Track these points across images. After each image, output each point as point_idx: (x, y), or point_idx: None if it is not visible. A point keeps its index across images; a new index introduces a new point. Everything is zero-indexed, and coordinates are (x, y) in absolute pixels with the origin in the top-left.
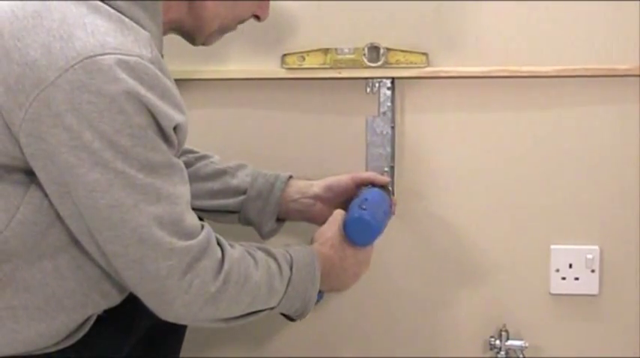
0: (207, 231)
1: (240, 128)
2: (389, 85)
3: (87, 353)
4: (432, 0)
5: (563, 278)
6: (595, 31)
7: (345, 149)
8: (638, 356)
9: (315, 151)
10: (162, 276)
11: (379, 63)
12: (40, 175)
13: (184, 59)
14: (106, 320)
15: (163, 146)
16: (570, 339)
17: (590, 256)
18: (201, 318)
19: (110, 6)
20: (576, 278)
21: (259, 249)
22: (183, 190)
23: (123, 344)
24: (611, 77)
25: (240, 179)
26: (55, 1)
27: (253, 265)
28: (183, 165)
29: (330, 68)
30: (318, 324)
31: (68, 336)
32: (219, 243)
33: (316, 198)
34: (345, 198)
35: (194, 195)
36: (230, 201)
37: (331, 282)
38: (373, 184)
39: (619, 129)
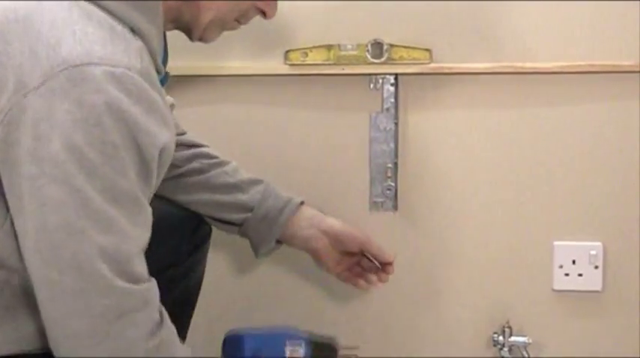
0: (154, 285)
1: (243, 124)
2: (392, 81)
3: None
4: None
5: (567, 275)
6: (597, 27)
7: (348, 145)
8: None
9: (319, 147)
10: (93, 315)
11: (382, 59)
12: (5, 185)
13: (188, 55)
14: None
15: (134, 176)
16: (574, 335)
17: (593, 252)
18: None
19: (105, 10)
20: (580, 275)
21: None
22: (139, 233)
23: None
24: (613, 73)
25: (250, 196)
26: (47, 4)
27: (183, 348)
28: (149, 210)
29: (334, 64)
30: (318, 323)
31: None
32: (159, 309)
33: (324, 233)
34: (346, 252)
35: (201, 203)
36: (234, 216)
37: None
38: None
39: (621, 125)
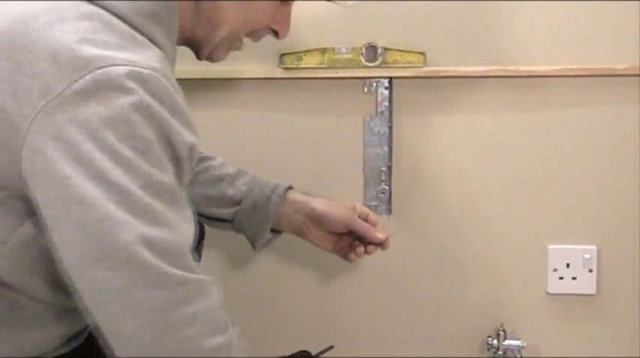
0: (212, 280)
1: (237, 128)
2: (386, 84)
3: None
4: (429, 0)
5: (561, 278)
6: (594, 30)
7: (342, 149)
8: (636, 356)
9: (313, 151)
10: (150, 308)
11: (377, 63)
12: (34, 196)
13: (180, 59)
14: None
15: (169, 167)
16: (568, 339)
17: (587, 256)
18: None
19: (125, 22)
20: (574, 278)
21: None
22: (186, 228)
23: None
24: (610, 77)
25: (236, 188)
26: (69, 14)
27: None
28: (190, 210)
29: (328, 68)
30: (315, 324)
31: (65, 343)
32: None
33: (308, 217)
34: (335, 232)
35: (191, 198)
36: (223, 211)
37: None
38: (363, 239)
39: (618, 129)
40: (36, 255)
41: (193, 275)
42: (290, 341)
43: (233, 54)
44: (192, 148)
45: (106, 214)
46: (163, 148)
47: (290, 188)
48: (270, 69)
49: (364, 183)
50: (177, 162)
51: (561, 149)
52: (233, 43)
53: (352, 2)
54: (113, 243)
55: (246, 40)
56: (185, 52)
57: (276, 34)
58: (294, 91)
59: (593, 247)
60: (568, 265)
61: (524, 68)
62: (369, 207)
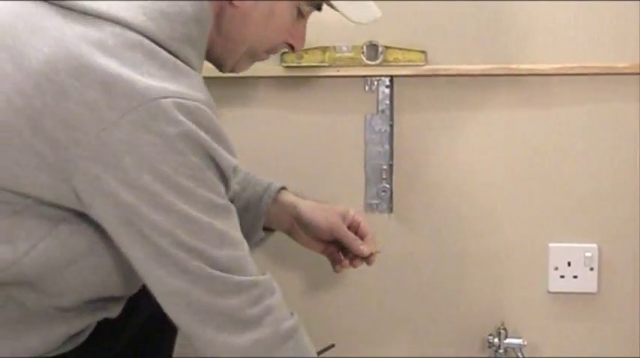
0: (271, 277)
1: (238, 126)
2: (387, 83)
3: (82, 353)
4: None
5: (562, 277)
6: (594, 29)
7: (343, 147)
8: (636, 355)
9: (314, 149)
10: (232, 309)
11: (378, 61)
12: (98, 214)
13: None
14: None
15: (222, 189)
16: (569, 337)
17: (588, 254)
18: None
19: (165, 49)
20: (575, 277)
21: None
22: (242, 237)
23: (116, 342)
24: (610, 75)
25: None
26: (110, 43)
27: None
28: (236, 212)
29: (329, 66)
30: (315, 323)
31: (67, 342)
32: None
33: (295, 220)
34: (320, 239)
35: None
36: None
37: None
38: (347, 250)
39: (618, 127)
40: (66, 255)
41: (261, 278)
42: None
43: None
44: (235, 169)
45: (179, 241)
46: (214, 172)
47: (283, 188)
48: (271, 67)
49: (365, 181)
50: (225, 181)
51: (562, 147)
52: (255, 56)
53: (367, 20)
54: (191, 269)
55: None
56: None
57: (292, 47)
58: (295, 90)
59: (594, 245)
60: (569, 263)
61: (526, 66)
62: (370, 205)
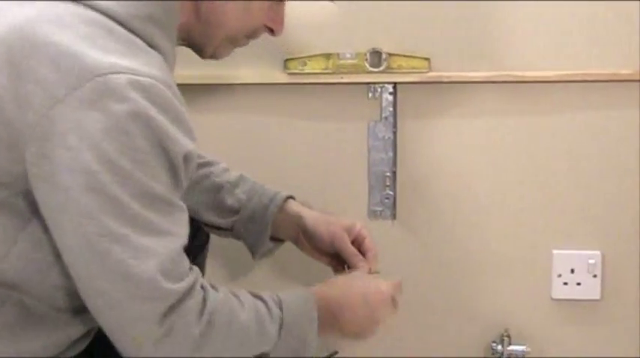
0: (196, 274)
1: (241, 133)
2: (391, 90)
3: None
4: (434, 5)
5: (565, 284)
6: (598, 36)
7: (346, 154)
8: None
9: (317, 156)
10: (144, 319)
11: (381, 68)
12: (39, 199)
13: (185, 64)
14: None
15: (165, 178)
16: (572, 344)
17: (592, 261)
18: None
19: (125, 26)
20: (578, 284)
21: (245, 291)
22: (178, 231)
23: None
24: (612, 82)
25: (235, 197)
26: (68, 20)
27: (239, 306)
28: (185, 209)
29: (332, 73)
30: None
31: (70, 347)
32: (202, 286)
33: (301, 231)
34: (322, 250)
35: (190, 206)
36: (222, 221)
37: (344, 325)
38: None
39: (620, 133)
40: (46, 255)
41: (181, 285)
42: None
43: (238, 59)
44: (187, 156)
45: (106, 230)
46: (158, 158)
47: (290, 197)
48: (274, 74)
49: (369, 188)
50: (172, 169)
51: (565, 154)
52: (235, 41)
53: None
54: (113, 259)
55: (250, 45)
56: (191, 58)
57: (271, 31)
58: (298, 97)
59: (598, 252)
60: (572, 270)
61: (529, 73)
62: (374, 212)
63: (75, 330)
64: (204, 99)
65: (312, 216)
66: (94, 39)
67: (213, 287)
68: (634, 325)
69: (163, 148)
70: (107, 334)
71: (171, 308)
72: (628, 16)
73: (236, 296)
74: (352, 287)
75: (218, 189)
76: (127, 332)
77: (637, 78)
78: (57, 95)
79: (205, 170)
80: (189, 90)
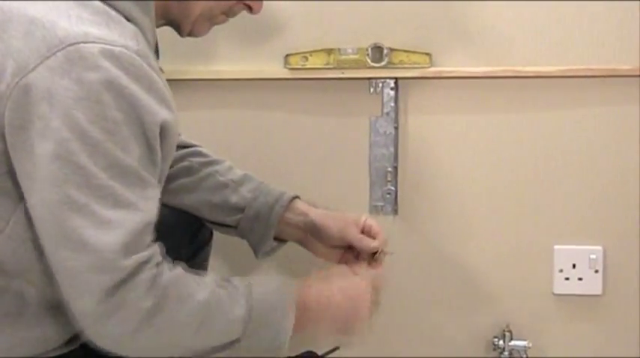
0: (153, 249)
1: (243, 128)
2: (392, 85)
3: (84, 353)
4: (435, 0)
5: (567, 279)
6: (596, 31)
7: (348, 149)
8: None
9: (319, 151)
10: (92, 291)
11: (382, 63)
12: (17, 170)
13: (188, 59)
14: None
15: (138, 151)
16: (574, 339)
17: (593, 256)
18: (143, 345)
19: (102, 0)
20: (580, 279)
21: (214, 275)
22: (145, 206)
23: None
24: (612, 77)
25: (241, 196)
26: None
27: (197, 283)
28: (156, 188)
29: (334, 68)
30: None
31: (69, 342)
32: (157, 262)
33: (308, 230)
34: (336, 246)
35: (192, 206)
36: (227, 219)
37: (323, 321)
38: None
39: (621, 129)
40: (37, 236)
41: (136, 256)
42: (295, 342)
43: (240, 55)
44: (164, 125)
45: (67, 198)
46: (131, 129)
47: (296, 197)
48: (275, 69)
49: (370, 183)
50: (146, 141)
51: (567, 149)
52: (213, 19)
53: None
54: (72, 227)
55: (251, 40)
56: (192, 53)
57: (250, 9)
58: (299, 92)
59: (599, 248)
60: (574, 266)
61: (529, 69)
62: (375, 207)
63: (72, 326)
64: (206, 95)
65: (319, 213)
66: (67, 9)
67: (171, 262)
68: (635, 320)
69: (137, 118)
70: (67, 305)
71: (121, 282)
72: (628, 11)
73: (197, 274)
74: (331, 283)
75: (222, 187)
76: (78, 304)
77: (637, 73)
78: (28, 64)
79: (210, 169)
80: (192, 86)
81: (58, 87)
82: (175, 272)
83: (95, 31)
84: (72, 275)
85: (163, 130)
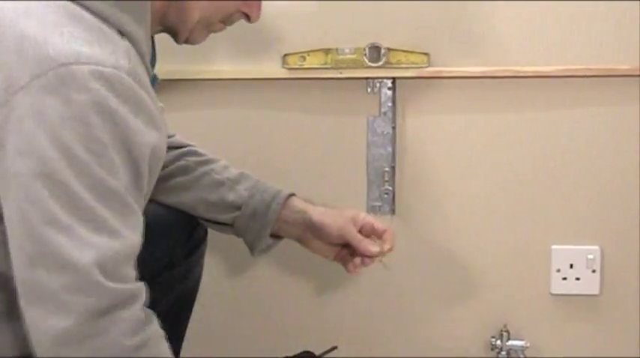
0: (141, 286)
1: (240, 128)
2: (390, 85)
3: None
4: (433, 0)
5: (564, 279)
6: (596, 31)
7: (345, 149)
8: (638, 356)
9: (316, 151)
10: (78, 313)
11: (380, 63)
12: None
13: (185, 59)
14: None
15: (124, 176)
16: (571, 339)
17: (590, 256)
18: None
19: (93, 13)
20: (577, 279)
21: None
22: (129, 235)
23: None
24: (611, 77)
25: (238, 194)
26: (34, 5)
27: (169, 350)
28: (140, 215)
29: (331, 68)
30: (317, 324)
31: None
32: (144, 308)
33: (306, 227)
34: (333, 243)
35: (189, 204)
36: (223, 217)
37: None
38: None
39: (620, 129)
40: None
41: (122, 286)
42: (293, 342)
43: (237, 55)
44: (154, 149)
45: (52, 217)
46: (118, 152)
47: (292, 195)
48: (273, 69)
49: (368, 183)
50: (134, 165)
51: (564, 149)
52: (210, 26)
53: None
54: (54, 247)
55: (248, 40)
56: (188, 53)
57: (247, 17)
58: (297, 92)
59: (597, 248)
60: (571, 266)
61: (528, 69)
62: (373, 207)
63: None
64: (203, 95)
65: (316, 210)
66: (61, 27)
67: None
68: (633, 320)
69: (124, 141)
70: (28, 330)
71: (107, 310)
72: (627, 11)
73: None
74: None
75: (218, 185)
76: (51, 328)
77: (636, 73)
78: (19, 82)
79: (206, 167)
80: (189, 86)
81: (46, 105)
82: (158, 329)
83: (87, 50)
84: (50, 297)
85: (151, 153)
